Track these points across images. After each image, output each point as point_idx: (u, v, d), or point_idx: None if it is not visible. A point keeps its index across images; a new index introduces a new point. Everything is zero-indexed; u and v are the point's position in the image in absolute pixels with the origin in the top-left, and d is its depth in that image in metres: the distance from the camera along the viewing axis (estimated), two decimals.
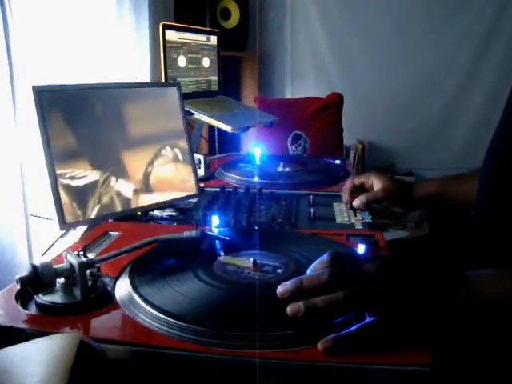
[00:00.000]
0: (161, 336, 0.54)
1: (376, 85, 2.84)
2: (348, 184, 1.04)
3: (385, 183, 1.01)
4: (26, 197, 1.13)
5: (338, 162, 1.45)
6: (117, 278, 0.68)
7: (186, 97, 1.16)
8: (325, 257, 0.58)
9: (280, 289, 0.57)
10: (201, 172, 1.24)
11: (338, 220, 0.96)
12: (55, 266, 0.62)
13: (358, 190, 1.03)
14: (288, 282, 0.57)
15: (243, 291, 0.63)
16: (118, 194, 0.88)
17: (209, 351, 0.52)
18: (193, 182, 1.00)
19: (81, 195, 0.82)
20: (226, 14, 2.56)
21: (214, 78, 1.58)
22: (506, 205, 0.76)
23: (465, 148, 2.79)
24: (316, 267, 0.58)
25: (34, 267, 0.59)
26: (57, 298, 0.61)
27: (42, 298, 0.61)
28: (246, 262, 0.70)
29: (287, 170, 1.34)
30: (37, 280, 0.59)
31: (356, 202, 0.99)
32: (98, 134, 0.87)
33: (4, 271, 1.06)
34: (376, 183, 1.02)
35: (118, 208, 0.87)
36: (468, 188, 0.97)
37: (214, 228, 0.81)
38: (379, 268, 0.57)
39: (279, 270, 0.68)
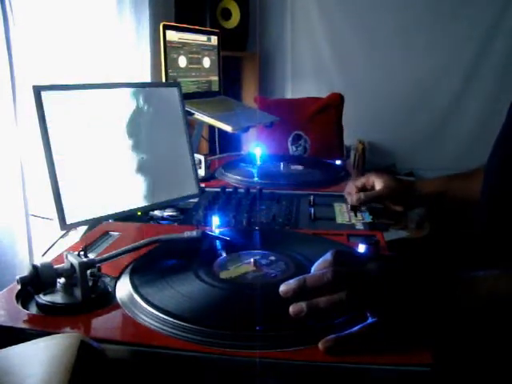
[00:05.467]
0: (161, 336, 0.54)
1: (376, 85, 2.84)
2: (349, 187, 1.04)
3: (386, 182, 1.01)
4: (26, 197, 1.13)
5: (338, 162, 1.45)
6: (117, 278, 0.68)
7: (186, 97, 1.16)
8: (328, 256, 0.58)
9: (283, 288, 0.57)
10: (201, 172, 1.24)
11: (339, 220, 0.96)
12: (56, 266, 0.62)
13: (359, 192, 1.03)
14: (291, 281, 0.56)
15: (243, 291, 0.63)
16: (119, 193, 0.88)
17: (209, 351, 0.52)
18: (193, 182, 1.00)
19: (81, 195, 0.82)
20: (226, 14, 2.56)
21: (215, 78, 1.58)
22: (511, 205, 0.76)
23: (465, 148, 2.78)
24: (320, 266, 0.58)
25: (35, 267, 0.59)
26: (57, 298, 0.61)
27: (43, 298, 0.61)
28: (246, 267, 0.69)
29: (288, 170, 1.34)
30: (37, 280, 0.59)
31: (355, 197, 0.98)
32: (99, 134, 0.87)
33: (4, 271, 1.06)
34: (377, 183, 1.02)
35: (119, 208, 0.87)
36: (469, 186, 0.97)
37: (214, 228, 0.82)
38: (381, 269, 0.57)
39: (280, 270, 0.68)
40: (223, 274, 0.67)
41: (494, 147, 0.85)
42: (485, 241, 0.83)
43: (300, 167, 1.36)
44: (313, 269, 0.59)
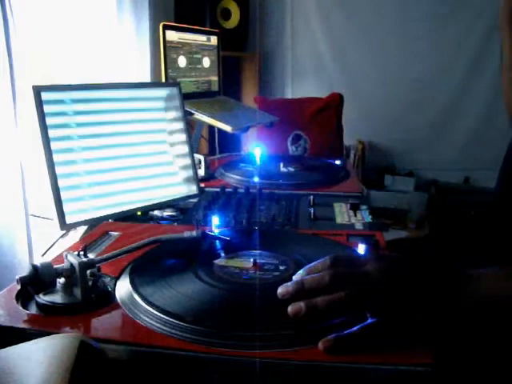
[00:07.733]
0: (161, 336, 0.54)
1: (376, 85, 2.84)
2: None
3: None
4: (26, 197, 1.13)
5: (338, 162, 1.45)
6: (117, 278, 0.68)
7: (186, 97, 1.16)
8: (327, 260, 0.58)
9: (280, 290, 0.57)
10: (201, 172, 1.24)
11: (339, 220, 0.96)
12: (55, 266, 0.62)
13: None
14: (289, 283, 0.57)
15: (243, 291, 0.63)
16: (119, 193, 0.88)
17: (209, 351, 0.52)
18: (193, 182, 1.00)
19: (81, 195, 0.82)
20: (226, 14, 2.56)
21: (214, 78, 1.58)
22: None
23: (465, 148, 2.79)
24: (316, 267, 0.58)
25: (35, 267, 0.59)
26: (57, 298, 0.61)
27: (43, 298, 0.61)
28: (245, 262, 0.70)
29: (287, 170, 1.34)
30: (37, 280, 0.59)
31: None
32: (98, 134, 0.87)
33: (4, 271, 1.06)
34: None
35: (119, 208, 0.87)
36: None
37: (214, 228, 0.81)
38: (380, 269, 0.57)
39: (279, 270, 0.68)
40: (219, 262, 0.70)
41: (508, 150, 0.84)
42: (484, 240, 0.83)
43: (299, 167, 1.36)
44: (306, 268, 0.59)
